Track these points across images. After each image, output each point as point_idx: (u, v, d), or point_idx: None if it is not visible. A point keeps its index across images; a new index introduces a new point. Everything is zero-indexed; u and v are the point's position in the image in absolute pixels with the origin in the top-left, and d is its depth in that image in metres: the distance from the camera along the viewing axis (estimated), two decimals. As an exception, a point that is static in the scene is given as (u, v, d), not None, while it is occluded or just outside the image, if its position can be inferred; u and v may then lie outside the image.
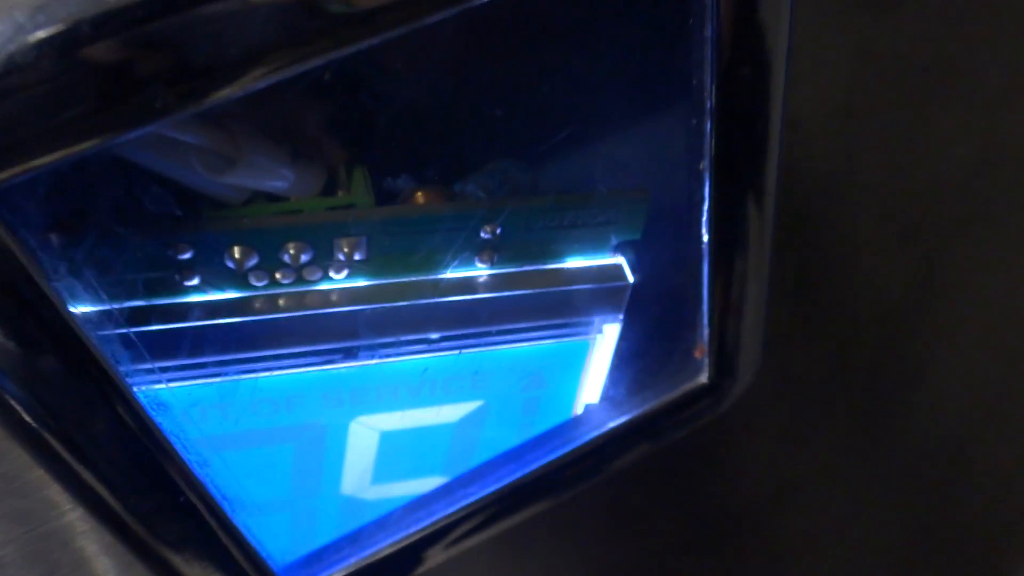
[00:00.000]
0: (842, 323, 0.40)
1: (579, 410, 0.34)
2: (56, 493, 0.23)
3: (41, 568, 0.25)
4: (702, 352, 0.32)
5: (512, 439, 0.33)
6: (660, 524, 0.44)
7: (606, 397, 0.33)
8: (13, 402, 0.20)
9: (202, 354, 0.27)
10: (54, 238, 0.21)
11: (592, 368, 0.32)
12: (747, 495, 0.45)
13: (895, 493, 0.56)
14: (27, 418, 0.20)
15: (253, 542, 0.27)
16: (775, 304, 0.34)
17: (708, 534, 0.46)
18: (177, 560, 0.26)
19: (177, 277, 0.26)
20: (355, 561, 0.30)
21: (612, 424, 0.33)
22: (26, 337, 0.20)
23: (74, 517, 0.24)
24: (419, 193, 0.28)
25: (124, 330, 0.25)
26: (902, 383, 0.46)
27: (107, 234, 0.23)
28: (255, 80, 0.18)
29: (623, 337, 0.31)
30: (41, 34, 0.16)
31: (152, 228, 0.25)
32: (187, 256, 0.26)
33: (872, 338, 0.41)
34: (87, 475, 0.22)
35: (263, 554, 0.28)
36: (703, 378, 0.33)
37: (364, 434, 0.31)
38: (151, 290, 0.26)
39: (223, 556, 0.27)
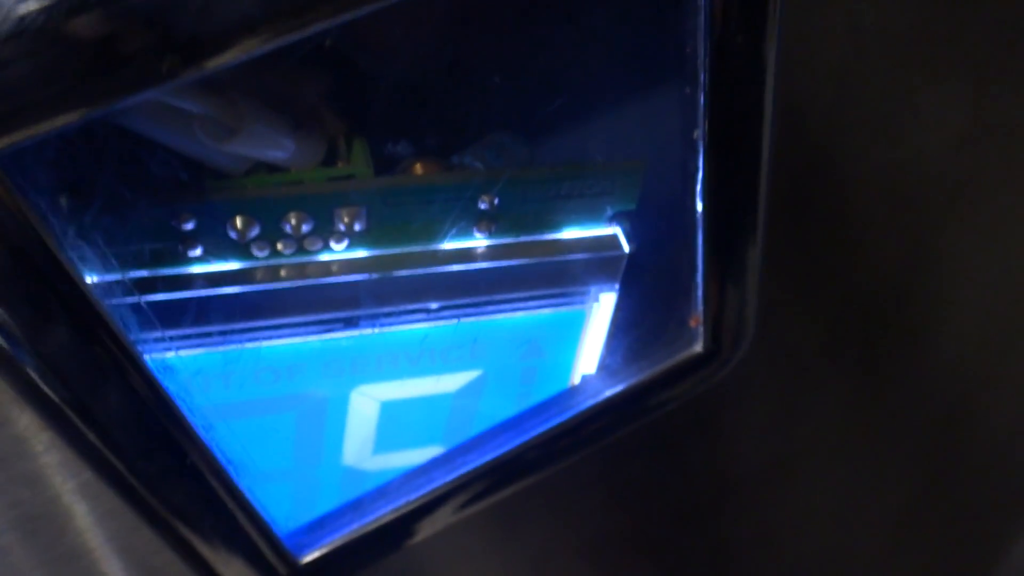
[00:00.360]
0: (836, 294, 0.40)
1: (576, 380, 0.34)
2: (65, 456, 0.24)
3: (50, 531, 0.26)
4: (697, 322, 0.33)
5: (510, 409, 0.34)
6: (656, 495, 0.44)
7: (602, 367, 0.34)
8: (23, 365, 0.21)
9: (205, 324, 0.28)
10: (63, 202, 0.21)
11: (589, 337, 0.32)
12: (743, 467, 0.46)
13: (892, 464, 0.57)
14: (37, 381, 0.21)
15: (257, 507, 0.28)
16: (770, 275, 0.34)
17: (704, 505, 0.46)
18: (181, 525, 0.27)
19: (180, 247, 0.26)
20: (357, 527, 0.31)
21: (608, 393, 0.33)
22: (37, 301, 0.20)
23: (83, 480, 0.25)
24: (417, 164, 0.28)
25: (130, 299, 0.25)
26: (896, 354, 0.47)
27: (111, 205, 0.24)
28: (257, 45, 0.18)
29: (619, 307, 0.32)
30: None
31: (156, 198, 0.25)
32: (190, 226, 0.26)
33: (866, 309, 0.42)
34: (94, 437, 0.23)
35: (267, 519, 0.29)
36: (698, 347, 0.33)
37: (365, 404, 0.32)
38: (155, 260, 0.26)
39: (228, 520, 0.27)
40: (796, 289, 0.38)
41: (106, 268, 0.24)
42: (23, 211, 0.18)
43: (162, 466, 0.25)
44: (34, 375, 0.21)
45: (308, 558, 0.31)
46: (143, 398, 0.23)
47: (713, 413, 0.41)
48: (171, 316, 0.27)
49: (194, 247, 0.27)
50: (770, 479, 0.48)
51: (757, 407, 0.43)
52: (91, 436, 0.23)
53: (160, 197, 0.25)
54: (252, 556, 0.29)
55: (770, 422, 0.44)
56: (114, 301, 0.25)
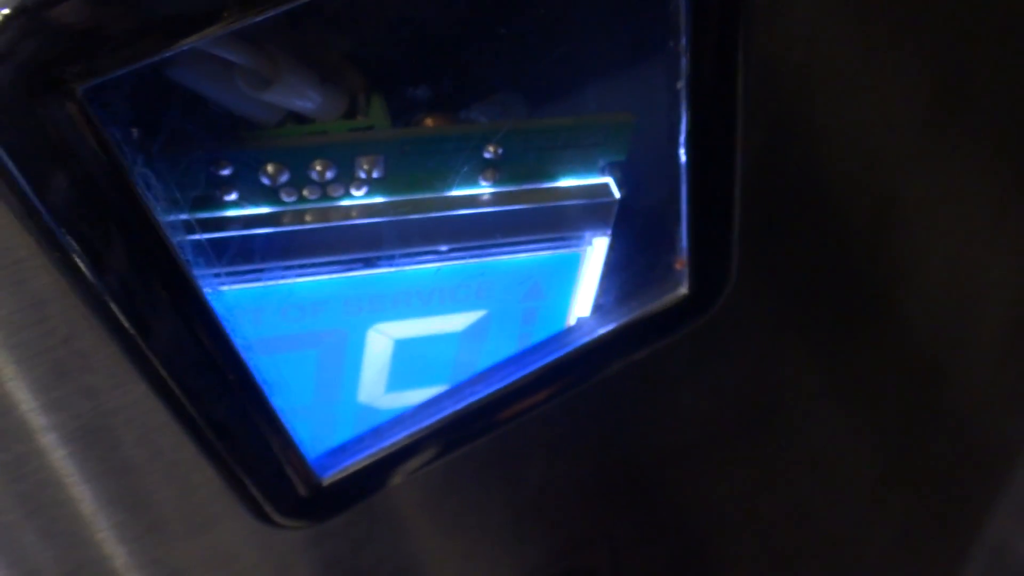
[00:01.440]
0: (812, 246, 0.43)
1: (572, 321, 0.37)
2: (124, 370, 0.27)
3: (105, 444, 0.29)
4: (682, 265, 0.36)
5: (513, 348, 0.37)
6: (647, 440, 0.47)
7: (596, 308, 0.37)
8: (94, 285, 0.24)
9: (237, 263, 0.31)
10: (133, 139, 0.24)
11: (584, 279, 0.36)
12: (727, 413, 0.49)
13: (869, 421, 0.60)
14: (104, 296, 0.24)
15: (288, 426, 0.31)
16: (750, 225, 0.37)
17: (691, 449, 0.50)
18: (218, 439, 0.30)
19: (218, 192, 0.30)
20: (374, 452, 0.34)
21: (598, 333, 0.36)
22: (107, 228, 0.23)
23: (137, 395, 0.28)
24: (429, 118, 0.31)
25: (175, 238, 0.28)
26: (870, 307, 0.50)
27: (159, 151, 0.27)
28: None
29: (611, 251, 0.35)
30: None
31: (197, 146, 0.28)
32: (227, 172, 0.29)
33: (841, 261, 0.45)
34: (150, 354, 0.26)
35: (296, 439, 0.32)
36: (683, 290, 0.37)
37: (380, 341, 0.35)
38: (195, 203, 0.29)
39: (260, 437, 0.30)
40: (776, 240, 0.41)
41: (159, 206, 0.27)
42: (104, 144, 0.21)
43: (207, 383, 0.28)
44: (105, 295, 0.24)
45: (329, 480, 0.34)
46: (194, 319, 0.26)
47: (700, 358, 0.44)
48: (207, 255, 0.30)
49: (230, 192, 0.30)
50: (752, 427, 0.51)
51: (741, 355, 0.46)
52: (148, 353, 0.26)
53: (200, 145, 0.28)
54: (278, 473, 0.32)
55: (752, 371, 0.47)
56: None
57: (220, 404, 0.28)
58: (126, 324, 0.25)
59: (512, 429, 0.39)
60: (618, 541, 0.51)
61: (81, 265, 0.23)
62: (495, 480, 0.43)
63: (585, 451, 0.45)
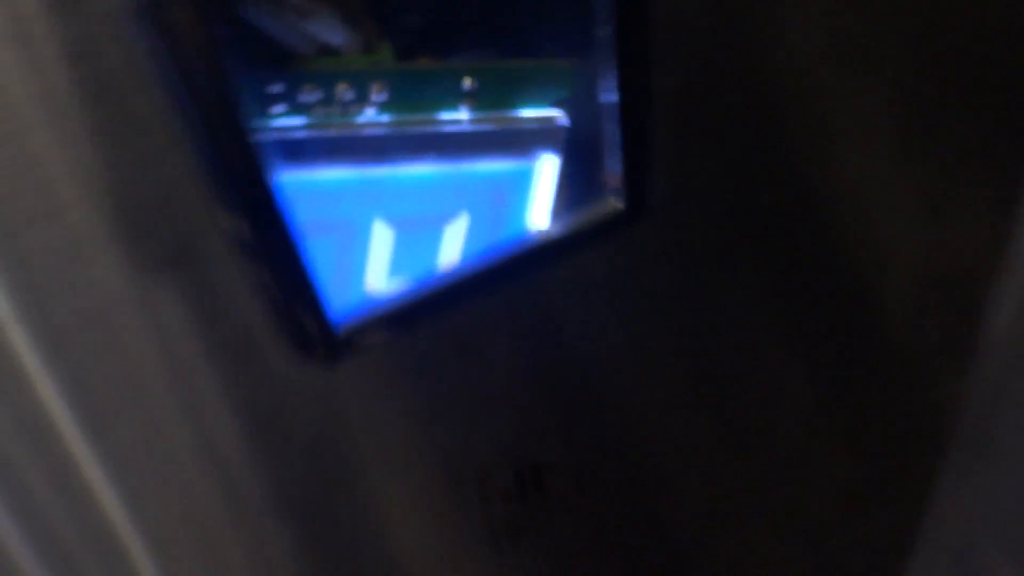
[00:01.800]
0: (739, 180, 0.52)
1: (531, 230, 0.48)
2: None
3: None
4: (616, 183, 0.47)
5: (482, 245, 0.48)
6: (583, 345, 0.57)
7: (550, 220, 0.48)
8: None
9: (278, 161, 0.42)
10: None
11: (539, 189, 0.47)
12: (661, 326, 0.58)
13: (797, 362, 0.69)
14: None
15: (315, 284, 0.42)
16: (680, 156, 0.48)
17: (624, 357, 0.59)
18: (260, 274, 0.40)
19: (267, 103, 0.41)
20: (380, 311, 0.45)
21: (543, 236, 0.47)
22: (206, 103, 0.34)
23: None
24: (424, 58, 0.43)
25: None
26: (793, 243, 0.59)
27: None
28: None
29: (562, 171, 0.46)
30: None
31: (253, 67, 0.39)
32: (276, 89, 0.40)
33: (764, 186, 0.54)
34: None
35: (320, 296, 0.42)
36: (617, 205, 0.47)
37: (384, 232, 0.46)
38: (251, 113, 0.40)
39: (294, 285, 0.41)
40: (710, 161, 0.51)
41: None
42: (209, 51, 0.32)
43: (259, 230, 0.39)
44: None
45: (342, 335, 0.45)
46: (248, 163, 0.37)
47: (638, 270, 0.54)
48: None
49: (277, 104, 0.41)
50: (685, 342, 0.61)
51: (672, 277, 0.56)
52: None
53: (256, 67, 0.40)
54: (304, 320, 0.43)
55: (685, 286, 0.57)
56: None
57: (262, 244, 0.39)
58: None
59: (475, 318, 0.49)
60: (577, 439, 0.61)
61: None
62: (460, 369, 0.53)
63: (542, 348, 0.55)
